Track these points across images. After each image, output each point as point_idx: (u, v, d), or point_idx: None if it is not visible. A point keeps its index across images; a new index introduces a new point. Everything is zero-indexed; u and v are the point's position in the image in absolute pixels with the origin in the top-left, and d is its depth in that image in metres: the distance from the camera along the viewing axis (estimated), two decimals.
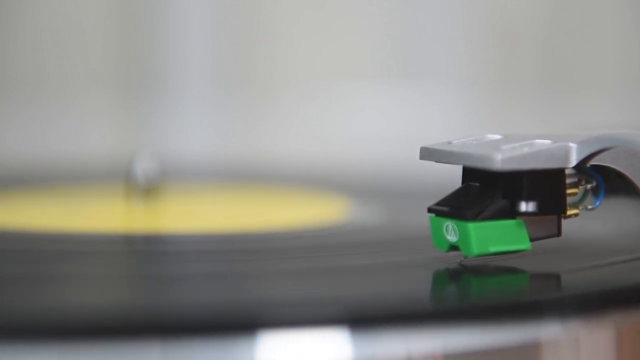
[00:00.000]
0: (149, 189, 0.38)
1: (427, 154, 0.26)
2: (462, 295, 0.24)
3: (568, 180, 0.25)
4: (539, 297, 0.23)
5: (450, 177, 0.27)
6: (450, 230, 0.25)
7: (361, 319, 0.21)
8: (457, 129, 0.63)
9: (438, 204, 0.25)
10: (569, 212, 0.25)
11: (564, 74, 0.67)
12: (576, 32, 0.66)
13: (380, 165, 0.54)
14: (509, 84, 0.67)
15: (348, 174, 0.51)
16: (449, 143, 0.26)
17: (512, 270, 0.25)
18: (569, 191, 0.25)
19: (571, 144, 0.25)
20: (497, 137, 0.26)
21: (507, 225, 0.25)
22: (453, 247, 0.25)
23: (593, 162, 0.25)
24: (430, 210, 0.25)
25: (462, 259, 0.25)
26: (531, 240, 0.25)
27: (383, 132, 0.65)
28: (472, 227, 0.24)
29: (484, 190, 0.25)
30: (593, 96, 0.66)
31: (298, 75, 0.67)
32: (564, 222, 0.26)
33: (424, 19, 0.66)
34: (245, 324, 0.20)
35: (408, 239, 0.31)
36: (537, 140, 0.25)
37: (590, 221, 0.29)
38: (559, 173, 0.25)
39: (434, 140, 0.26)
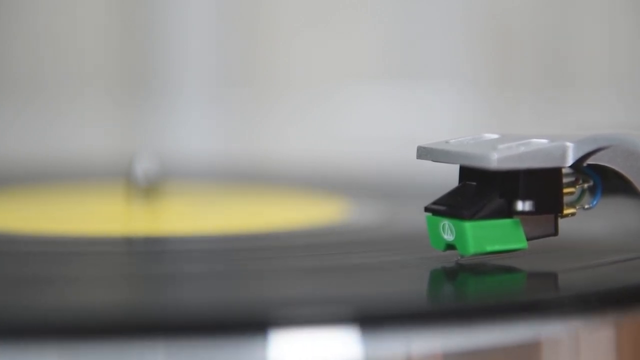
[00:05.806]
0: (149, 189, 0.38)
1: (425, 153, 0.26)
2: (462, 294, 0.24)
3: (565, 180, 0.25)
4: (538, 297, 0.23)
5: (449, 176, 0.27)
6: (447, 230, 0.25)
7: (361, 318, 0.21)
8: (458, 128, 0.63)
9: (435, 203, 0.25)
10: (566, 212, 0.25)
11: (565, 73, 0.67)
12: (577, 32, 0.66)
13: (380, 165, 0.54)
14: (509, 83, 0.67)
15: (348, 174, 0.51)
16: (446, 142, 0.26)
17: (512, 270, 0.25)
18: (565, 190, 0.25)
19: (567, 144, 0.25)
20: (494, 136, 0.26)
21: (504, 224, 0.25)
22: (450, 246, 0.25)
23: (590, 161, 0.25)
24: (427, 209, 0.25)
25: (459, 258, 0.25)
26: (528, 239, 0.25)
27: (383, 132, 0.65)
28: (469, 226, 0.24)
29: (481, 190, 0.25)
30: (595, 95, 0.66)
31: (298, 75, 0.67)
32: (561, 221, 0.26)
33: (424, 18, 0.66)
34: (248, 323, 0.20)
35: (407, 239, 0.31)
36: (533, 140, 0.25)
37: (588, 220, 0.29)
38: (555, 172, 0.25)
39: (434, 140, 0.26)
